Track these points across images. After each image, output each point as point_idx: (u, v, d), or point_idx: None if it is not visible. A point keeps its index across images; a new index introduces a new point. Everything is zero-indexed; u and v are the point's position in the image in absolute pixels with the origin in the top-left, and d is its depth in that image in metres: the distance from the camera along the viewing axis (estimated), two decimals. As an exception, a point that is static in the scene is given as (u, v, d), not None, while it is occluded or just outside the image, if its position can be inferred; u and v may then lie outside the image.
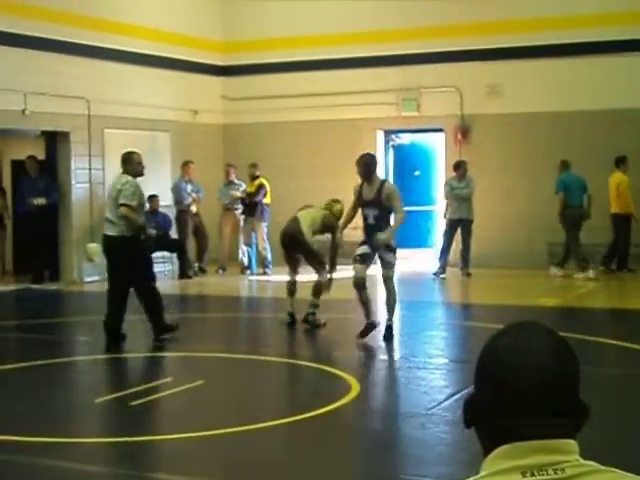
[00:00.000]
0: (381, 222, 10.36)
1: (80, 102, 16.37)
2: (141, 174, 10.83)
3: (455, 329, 12.03)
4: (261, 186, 17.52)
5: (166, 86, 18.25)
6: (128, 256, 10.14)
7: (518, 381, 1.74)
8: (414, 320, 12.82)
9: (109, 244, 10.35)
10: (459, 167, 16.81)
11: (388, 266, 10.39)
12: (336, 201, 11.97)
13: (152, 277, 10.68)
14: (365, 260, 10.36)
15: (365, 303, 10.41)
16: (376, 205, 10.36)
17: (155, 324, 10.45)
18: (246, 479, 6.00)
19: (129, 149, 11.12)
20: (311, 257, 11.66)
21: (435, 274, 16.64)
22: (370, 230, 10.42)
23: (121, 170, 10.63)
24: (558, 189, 16.16)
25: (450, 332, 11.92)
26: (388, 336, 10.40)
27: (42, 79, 15.56)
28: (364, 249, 10.36)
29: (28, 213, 16.13)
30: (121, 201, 10.16)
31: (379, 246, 10.25)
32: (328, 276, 11.57)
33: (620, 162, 16.05)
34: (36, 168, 16.53)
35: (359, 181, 10.60)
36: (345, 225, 11.19)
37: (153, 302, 10.47)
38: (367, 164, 10.48)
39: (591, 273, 15.75)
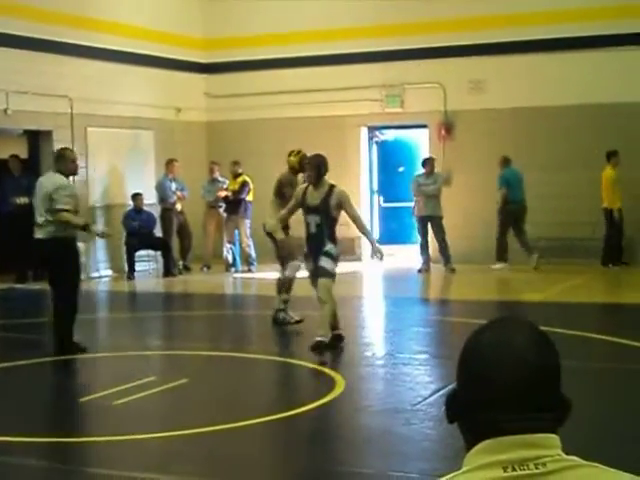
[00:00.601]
0: (324, 231, 9.49)
1: (63, 100, 16.31)
2: (74, 173, 10.15)
3: (440, 325, 12.03)
4: (245, 183, 17.50)
5: (149, 84, 18.20)
6: (60, 257, 9.62)
7: (499, 376, 1.73)
8: (399, 316, 12.82)
9: (39, 248, 9.81)
10: (427, 164, 16.85)
11: (322, 273, 9.44)
12: (291, 153, 11.47)
13: (77, 285, 10.02)
14: (315, 280, 9.63)
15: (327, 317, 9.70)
16: (321, 212, 9.49)
17: (59, 335, 9.73)
18: (231, 477, 5.98)
19: (63, 146, 10.61)
20: (276, 249, 11.31)
21: (419, 271, 16.68)
22: (312, 240, 9.60)
23: (54, 168, 9.90)
24: (500, 185, 16.45)
25: (435, 328, 11.93)
26: (314, 347, 9.36)
27: (24, 78, 15.49)
28: (309, 268, 9.75)
29: (11, 212, 16.05)
30: (58, 207, 9.51)
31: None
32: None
33: (611, 156, 16.08)
34: (19, 167, 16.47)
35: (303, 184, 9.96)
36: (281, 225, 10.58)
37: (68, 311, 9.81)
38: (318, 165, 9.62)
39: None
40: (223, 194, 17.74)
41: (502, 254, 16.68)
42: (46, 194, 9.55)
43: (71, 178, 10.16)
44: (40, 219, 9.65)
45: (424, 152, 18.63)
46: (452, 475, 1.72)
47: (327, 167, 9.68)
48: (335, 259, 9.51)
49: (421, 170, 16.98)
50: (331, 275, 9.43)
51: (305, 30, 18.78)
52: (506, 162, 16.62)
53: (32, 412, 7.91)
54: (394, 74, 18.14)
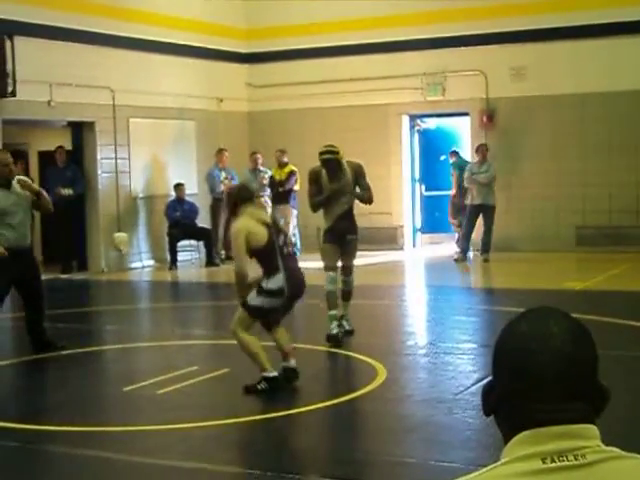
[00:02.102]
0: None
1: (105, 92, 16.42)
2: (5, 177, 9.18)
3: (482, 314, 11.99)
4: (292, 173, 17.54)
5: (191, 74, 18.27)
6: None
7: (536, 366, 1.73)
8: (440, 305, 12.79)
9: None
10: (479, 151, 16.70)
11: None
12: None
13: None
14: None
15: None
16: None
17: None
18: (273, 465, 6.01)
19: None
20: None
21: (456, 260, 16.53)
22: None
23: None
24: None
25: (477, 317, 11.88)
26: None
27: (67, 70, 15.61)
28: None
29: (56, 203, 16.17)
30: None
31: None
32: None
33: None
34: (64, 158, 16.62)
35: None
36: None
37: (30, 314, 9.53)
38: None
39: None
40: (264, 182, 17.73)
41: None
42: None
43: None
44: None
45: (466, 140, 18.56)
46: (492, 467, 1.72)
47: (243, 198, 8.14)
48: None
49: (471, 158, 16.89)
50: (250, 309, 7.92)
51: (347, 19, 18.74)
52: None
53: (77, 401, 8.00)
54: (435, 62, 18.06)
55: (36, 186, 9.72)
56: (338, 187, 9.77)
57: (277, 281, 7.80)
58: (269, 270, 7.82)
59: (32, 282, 9.44)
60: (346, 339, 9.57)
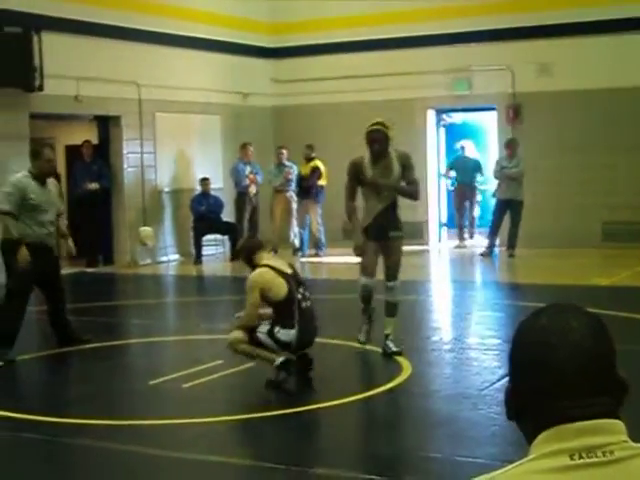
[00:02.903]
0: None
1: (131, 86, 16.47)
2: (50, 174, 9.32)
3: (508, 309, 11.95)
4: (315, 168, 17.56)
5: (216, 69, 18.29)
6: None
7: (557, 361, 1.72)
8: (466, 300, 12.77)
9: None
10: (509, 146, 16.63)
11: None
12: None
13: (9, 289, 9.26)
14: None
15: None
16: None
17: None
18: (301, 460, 6.02)
19: (41, 144, 9.78)
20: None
21: (482, 254, 16.49)
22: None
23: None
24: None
25: (502, 312, 11.85)
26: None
27: (94, 64, 15.68)
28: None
29: (82, 197, 16.30)
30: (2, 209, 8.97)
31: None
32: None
33: None
34: (91, 153, 16.69)
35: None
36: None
37: (52, 307, 9.62)
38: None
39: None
40: (289, 177, 17.76)
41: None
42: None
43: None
44: None
45: (492, 135, 18.50)
46: (518, 463, 1.71)
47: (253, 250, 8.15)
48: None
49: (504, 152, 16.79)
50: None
51: (372, 13, 18.71)
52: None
53: (103, 395, 8.04)
54: (462, 57, 18.00)
55: (66, 230, 9.78)
56: (380, 177, 8.61)
57: (288, 336, 7.73)
58: (284, 323, 7.71)
59: (53, 278, 9.50)
60: (372, 335, 9.54)
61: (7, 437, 6.92)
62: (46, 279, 9.40)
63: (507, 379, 1.82)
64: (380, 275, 9.00)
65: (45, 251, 9.22)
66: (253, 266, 7.86)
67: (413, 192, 8.84)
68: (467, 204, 18.68)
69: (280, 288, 7.67)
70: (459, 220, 18.62)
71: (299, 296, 7.77)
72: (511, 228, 16.47)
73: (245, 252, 8.09)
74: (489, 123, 18.86)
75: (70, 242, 9.69)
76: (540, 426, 1.72)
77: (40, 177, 9.13)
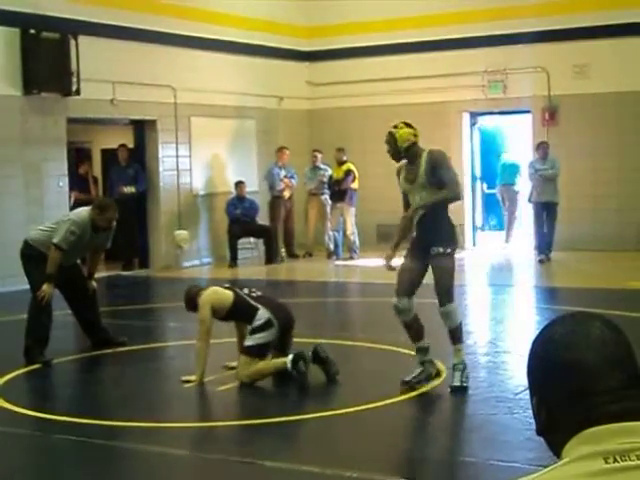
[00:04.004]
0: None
1: (167, 90, 16.56)
2: (103, 230, 9.37)
3: (543, 313, 11.88)
4: (349, 172, 17.57)
5: (251, 73, 18.34)
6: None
7: (584, 357, 1.73)
8: (500, 304, 12.71)
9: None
10: (540, 148, 16.40)
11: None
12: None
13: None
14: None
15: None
16: None
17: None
18: (337, 463, 6.02)
19: (109, 202, 9.83)
20: None
21: (541, 261, 16.18)
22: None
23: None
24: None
25: (538, 316, 11.78)
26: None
27: (129, 68, 15.78)
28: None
29: (118, 201, 16.34)
30: (55, 240, 9.03)
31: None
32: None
33: None
34: (127, 157, 16.79)
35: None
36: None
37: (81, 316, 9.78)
38: None
39: None
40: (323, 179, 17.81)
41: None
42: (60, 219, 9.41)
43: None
44: (43, 227, 9.55)
45: (527, 138, 18.40)
46: (552, 467, 1.70)
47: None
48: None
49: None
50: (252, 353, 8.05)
51: (407, 16, 18.68)
52: None
53: (138, 397, 8.08)
54: (497, 59, 17.93)
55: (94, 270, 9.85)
56: (406, 182, 7.74)
57: (261, 316, 8.06)
58: (249, 315, 8.11)
59: (79, 286, 9.58)
60: (407, 338, 9.51)
61: (43, 438, 6.98)
62: (71, 288, 9.50)
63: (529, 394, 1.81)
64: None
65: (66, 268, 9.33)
66: (196, 309, 8.34)
67: (447, 197, 7.62)
68: (509, 207, 18.54)
69: (226, 296, 8.23)
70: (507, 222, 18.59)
71: (245, 292, 8.32)
72: (547, 231, 16.26)
73: (188, 303, 8.51)
74: (524, 126, 18.71)
75: (93, 283, 9.72)
76: (573, 430, 1.71)
77: (96, 228, 9.24)
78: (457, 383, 7.60)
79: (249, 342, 8.07)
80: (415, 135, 7.72)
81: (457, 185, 7.82)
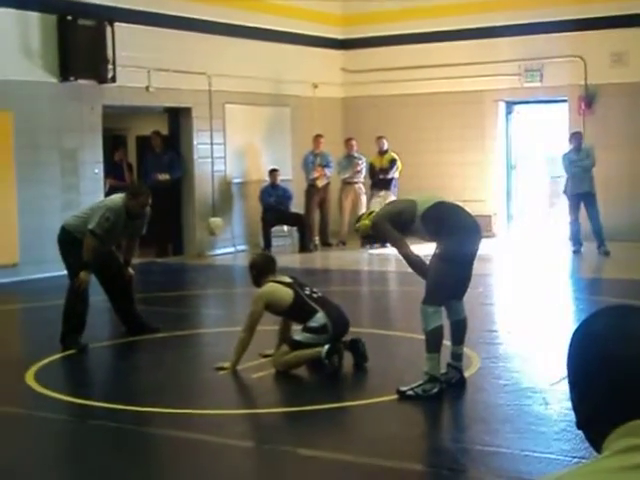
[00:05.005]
0: None
1: (201, 78, 16.58)
2: (137, 217, 9.42)
3: (577, 303, 11.83)
4: (393, 161, 17.60)
5: (286, 60, 18.31)
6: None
7: (627, 351, 1.69)
8: (534, 294, 12.63)
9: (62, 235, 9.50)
10: (574, 139, 16.03)
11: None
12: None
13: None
14: None
15: None
16: None
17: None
18: (366, 453, 6.02)
19: (143, 188, 9.84)
20: None
21: (575, 252, 16.01)
22: None
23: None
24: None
25: (573, 306, 11.73)
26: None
27: (164, 55, 15.81)
28: None
29: (152, 188, 16.39)
30: (90, 226, 9.05)
31: None
32: None
33: None
34: (161, 144, 16.84)
35: None
36: None
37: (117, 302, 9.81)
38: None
39: None
40: (358, 168, 17.81)
41: None
42: (91, 209, 9.42)
43: None
44: (79, 214, 9.60)
45: (563, 128, 18.26)
46: (593, 460, 1.67)
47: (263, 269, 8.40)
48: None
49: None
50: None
51: (443, 4, 18.60)
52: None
53: (173, 384, 8.12)
54: (533, 48, 17.81)
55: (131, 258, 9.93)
56: None
57: (318, 319, 8.03)
58: (306, 316, 8.05)
59: (115, 273, 9.64)
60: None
61: (77, 424, 7.03)
62: (108, 272, 9.54)
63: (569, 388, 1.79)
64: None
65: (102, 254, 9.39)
66: (257, 284, 8.31)
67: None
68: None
69: (285, 294, 8.07)
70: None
71: (306, 292, 8.15)
72: (593, 224, 15.76)
73: (257, 269, 8.39)
74: (560, 115, 18.54)
75: (130, 269, 9.77)
76: (612, 425, 1.68)
77: (130, 214, 9.27)
78: (404, 388, 7.17)
79: (299, 337, 8.07)
80: None
81: None
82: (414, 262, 7.48)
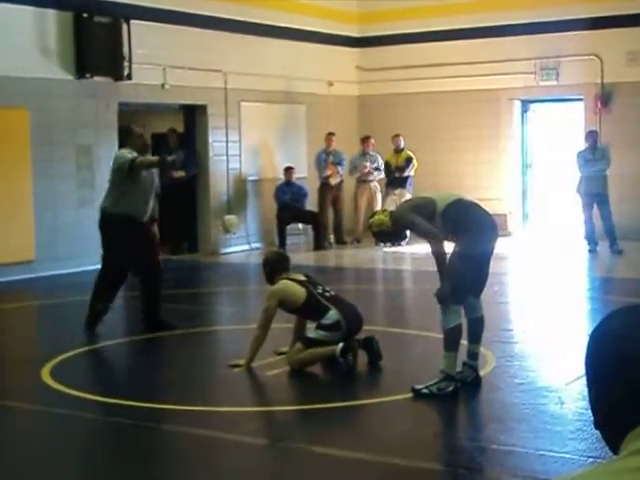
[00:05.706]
0: None
1: (217, 75, 16.59)
2: (145, 149, 9.90)
3: (592, 302, 11.79)
4: (409, 159, 17.60)
5: (302, 58, 18.32)
6: (123, 236, 9.58)
7: None
8: (549, 293, 12.61)
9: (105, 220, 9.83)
10: (589, 137, 15.94)
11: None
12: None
13: (131, 262, 9.79)
14: None
15: None
16: None
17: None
18: (380, 451, 6.02)
19: (127, 125, 10.18)
20: None
21: (590, 251, 15.97)
22: None
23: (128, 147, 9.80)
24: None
25: (588, 305, 11.70)
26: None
27: (180, 53, 15.83)
28: None
29: (167, 185, 16.44)
30: (129, 160, 9.38)
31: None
32: None
33: None
34: (176, 141, 16.85)
35: None
36: None
37: (149, 291, 9.84)
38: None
39: None
40: (367, 166, 17.81)
41: None
42: (113, 167, 9.72)
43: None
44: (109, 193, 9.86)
45: (579, 126, 18.20)
46: (609, 461, 1.66)
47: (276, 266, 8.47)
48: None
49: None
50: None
51: (458, 2, 18.57)
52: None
53: (188, 381, 8.13)
54: (549, 46, 17.76)
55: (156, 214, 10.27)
56: None
57: (331, 316, 8.04)
58: (319, 314, 8.07)
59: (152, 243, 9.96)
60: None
61: (94, 420, 7.05)
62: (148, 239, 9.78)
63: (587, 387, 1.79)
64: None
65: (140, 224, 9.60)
66: (270, 282, 8.37)
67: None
68: None
69: (298, 293, 8.10)
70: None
71: (319, 291, 8.18)
72: (606, 224, 15.73)
73: (270, 266, 8.44)
74: (576, 114, 18.48)
75: (155, 227, 9.87)
76: (629, 425, 1.68)
77: (139, 151, 9.53)
78: (419, 386, 7.15)
79: (312, 335, 8.09)
80: None
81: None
82: (443, 259, 7.44)
